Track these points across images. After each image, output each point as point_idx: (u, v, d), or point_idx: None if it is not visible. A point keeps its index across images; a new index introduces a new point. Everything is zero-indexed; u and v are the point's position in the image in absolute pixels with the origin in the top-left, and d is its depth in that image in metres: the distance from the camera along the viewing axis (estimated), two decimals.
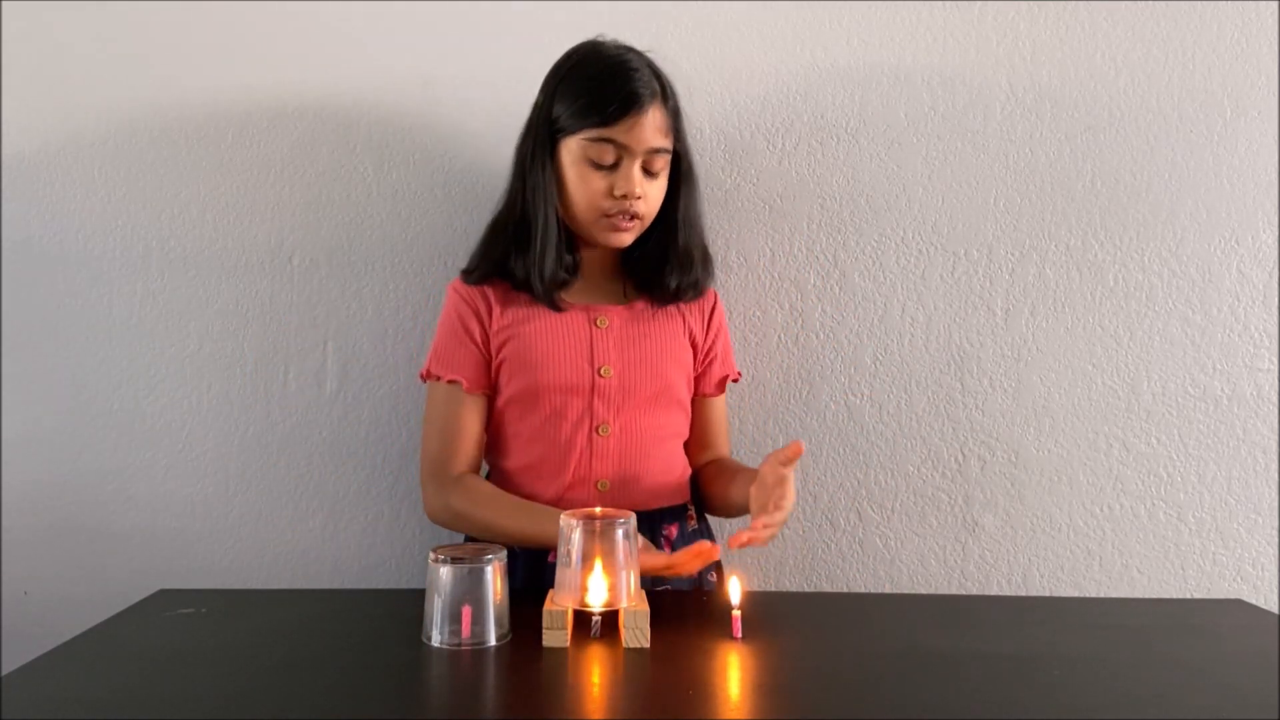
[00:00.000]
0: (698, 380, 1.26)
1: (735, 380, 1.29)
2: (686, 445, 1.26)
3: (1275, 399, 1.38)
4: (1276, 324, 1.38)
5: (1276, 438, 1.38)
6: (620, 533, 0.95)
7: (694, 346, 1.24)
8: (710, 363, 1.26)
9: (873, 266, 1.40)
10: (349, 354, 1.40)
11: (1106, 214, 1.38)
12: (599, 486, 1.17)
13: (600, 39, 1.16)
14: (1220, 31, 1.36)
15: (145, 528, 1.40)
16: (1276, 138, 1.37)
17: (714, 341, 1.26)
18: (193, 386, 1.40)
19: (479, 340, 1.18)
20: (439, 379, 1.18)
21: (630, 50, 1.15)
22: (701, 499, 1.27)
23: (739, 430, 1.40)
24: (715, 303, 1.28)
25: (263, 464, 1.40)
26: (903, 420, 1.40)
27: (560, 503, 1.16)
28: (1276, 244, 1.37)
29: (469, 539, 1.22)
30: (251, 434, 1.40)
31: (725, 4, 1.38)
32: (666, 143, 1.14)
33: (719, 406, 1.29)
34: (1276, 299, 1.38)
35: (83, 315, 1.39)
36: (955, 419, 1.40)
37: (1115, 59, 1.37)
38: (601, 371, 1.17)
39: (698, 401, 1.27)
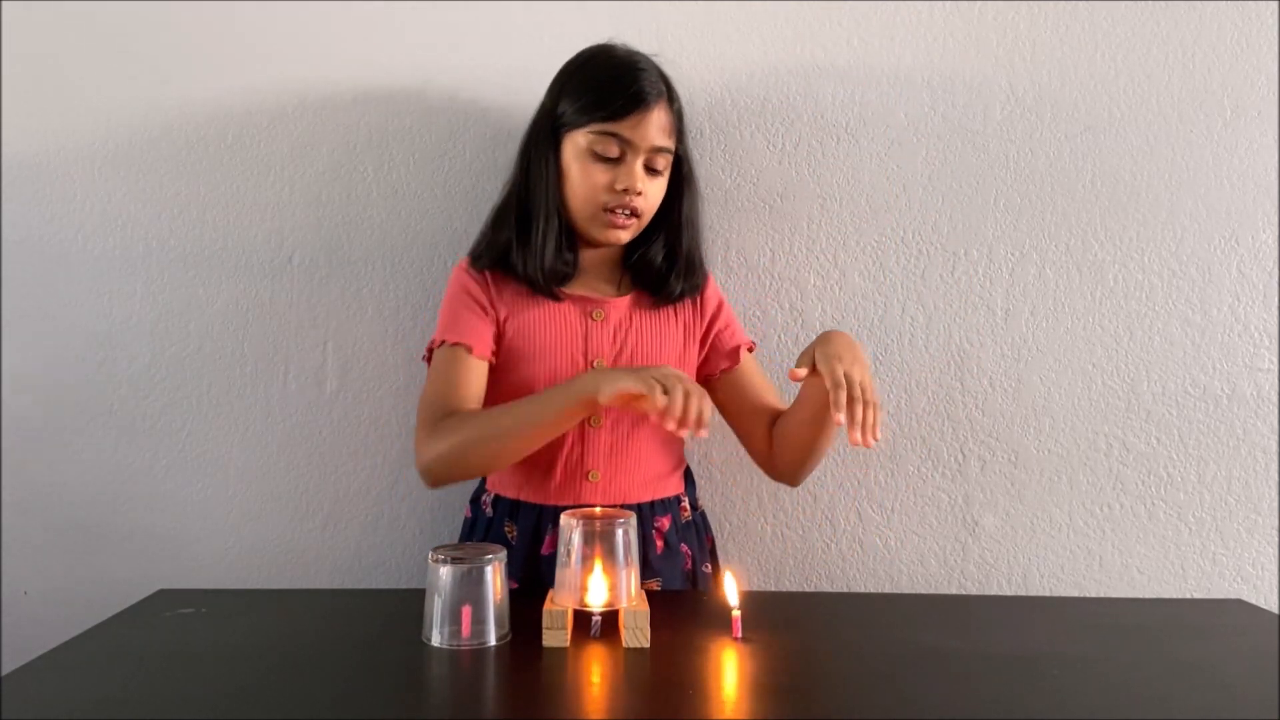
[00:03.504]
0: (708, 358, 1.25)
1: (750, 349, 1.27)
2: (751, 431, 1.24)
3: (1275, 399, 1.38)
4: (1276, 324, 1.38)
5: (1276, 438, 1.38)
6: (620, 533, 0.95)
7: (692, 336, 1.24)
8: (716, 335, 1.25)
9: (873, 266, 1.40)
10: (349, 354, 1.40)
11: (1106, 214, 1.38)
12: (590, 477, 1.17)
13: (610, 43, 1.17)
14: (1220, 31, 1.36)
15: (145, 528, 1.40)
16: (1276, 138, 1.37)
17: (714, 316, 1.26)
18: (193, 386, 1.40)
19: (488, 309, 1.17)
20: (444, 343, 1.14)
21: (639, 54, 1.16)
22: (781, 460, 1.21)
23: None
24: (707, 284, 1.27)
25: (263, 464, 1.40)
26: (903, 420, 1.40)
27: (551, 495, 1.17)
28: (1276, 244, 1.37)
29: (478, 531, 1.22)
30: (251, 434, 1.40)
31: (725, 4, 1.38)
32: (669, 143, 1.15)
33: (749, 373, 1.25)
34: (1276, 299, 1.38)
35: (83, 315, 1.39)
36: (955, 419, 1.40)
37: (1115, 59, 1.37)
38: (595, 364, 1.17)
39: (722, 381, 1.25)
